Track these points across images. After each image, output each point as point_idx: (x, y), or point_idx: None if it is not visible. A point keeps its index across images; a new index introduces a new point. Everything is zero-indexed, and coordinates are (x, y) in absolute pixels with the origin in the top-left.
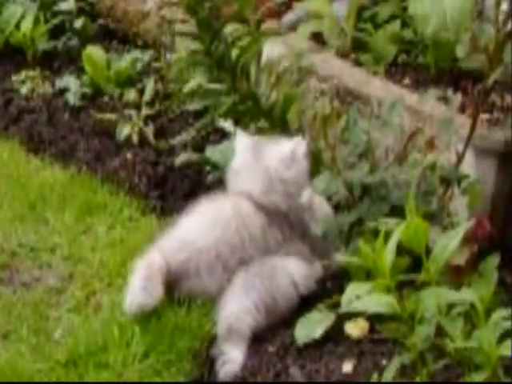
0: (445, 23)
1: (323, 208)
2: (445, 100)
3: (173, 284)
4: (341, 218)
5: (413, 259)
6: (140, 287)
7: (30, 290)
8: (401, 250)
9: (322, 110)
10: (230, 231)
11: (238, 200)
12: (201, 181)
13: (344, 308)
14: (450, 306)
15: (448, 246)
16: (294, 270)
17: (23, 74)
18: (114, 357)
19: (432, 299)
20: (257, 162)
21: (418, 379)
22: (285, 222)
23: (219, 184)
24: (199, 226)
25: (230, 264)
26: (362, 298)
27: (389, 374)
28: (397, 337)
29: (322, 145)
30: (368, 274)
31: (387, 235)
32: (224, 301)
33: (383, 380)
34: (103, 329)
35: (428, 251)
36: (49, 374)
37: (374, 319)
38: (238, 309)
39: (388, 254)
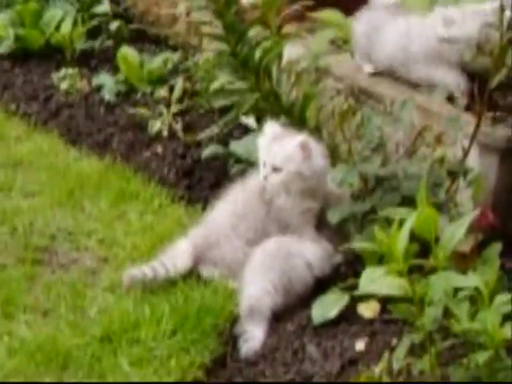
0: None
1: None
2: (451, 99)
3: (199, 259)
4: (355, 207)
5: (421, 246)
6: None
7: (68, 271)
8: (410, 236)
9: (339, 107)
10: (236, 203)
11: (247, 184)
12: (225, 172)
13: (361, 290)
14: (457, 290)
15: (455, 234)
16: (309, 253)
17: (62, 72)
18: (145, 333)
19: (440, 283)
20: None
21: (426, 357)
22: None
23: (242, 175)
24: (218, 206)
25: (239, 231)
26: (376, 280)
27: (400, 352)
28: (406, 318)
29: (338, 140)
30: (380, 259)
31: (400, 223)
32: (245, 281)
33: (395, 357)
34: (135, 307)
35: (436, 239)
36: (85, 349)
37: (385, 301)
38: (259, 290)
39: (401, 240)
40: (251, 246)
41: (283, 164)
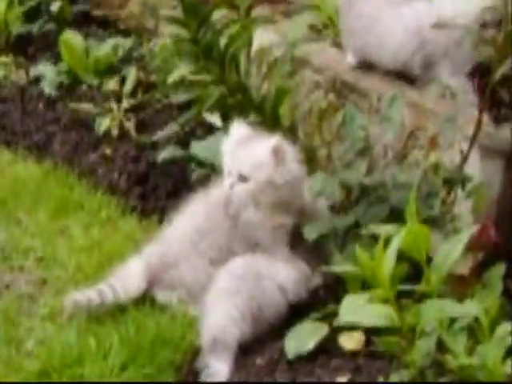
0: None
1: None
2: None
3: (154, 281)
4: (336, 221)
5: (412, 267)
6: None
7: (0, 296)
8: (399, 257)
9: (318, 103)
10: (197, 217)
11: (211, 195)
12: (185, 179)
13: (342, 319)
14: (453, 320)
15: (450, 253)
16: (281, 275)
17: None
18: (90, 369)
19: (433, 312)
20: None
21: None
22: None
23: (205, 182)
24: (176, 220)
25: (201, 249)
26: (358, 309)
27: None
28: (395, 351)
29: (316, 142)
30: (364, 282)
31: (386, 241)
32: (207, 307)
33: None
34: (79, 339)
35: (429, 259)
36: None
37: (371, 331)
38: (223, 318)
39: (387, 262)
40: (215, 266)
41: (252, 172)
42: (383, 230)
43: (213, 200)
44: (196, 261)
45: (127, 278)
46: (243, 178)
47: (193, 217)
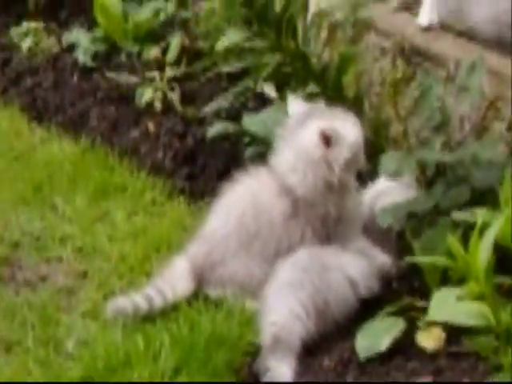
0: None
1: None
2: None
3: (203, 280)
4: (411, 205)
5: (502, 259)
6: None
7: (36, 290)
8: None
9: (390, 73)
10: (245, 219)
11: (260, 181)
12: (237, 156)
13: (432, 317)
14: None
15: None
16: (351, 267)
17: (24, 27)
18: (139, 374)
19: None
20: (292, 135)
21: None
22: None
23: (259, 160)
24: (218, 214)
25: (252, 249)
26: (450, 306)
27: None
28: (484, 352)
29: (385, 115)
30: (444, 274)
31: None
32: (267, 302)
33: None
34: (125, 339)
35: None
36: None
37: (452, 328)
38: (285, 314)
39: (483, 253)
40: (270, 262)
41: None
42: (478, 215)
43: (264, 184)
44: (246, 259)
45: (174, 281)
46: None
47: (238, 207)
